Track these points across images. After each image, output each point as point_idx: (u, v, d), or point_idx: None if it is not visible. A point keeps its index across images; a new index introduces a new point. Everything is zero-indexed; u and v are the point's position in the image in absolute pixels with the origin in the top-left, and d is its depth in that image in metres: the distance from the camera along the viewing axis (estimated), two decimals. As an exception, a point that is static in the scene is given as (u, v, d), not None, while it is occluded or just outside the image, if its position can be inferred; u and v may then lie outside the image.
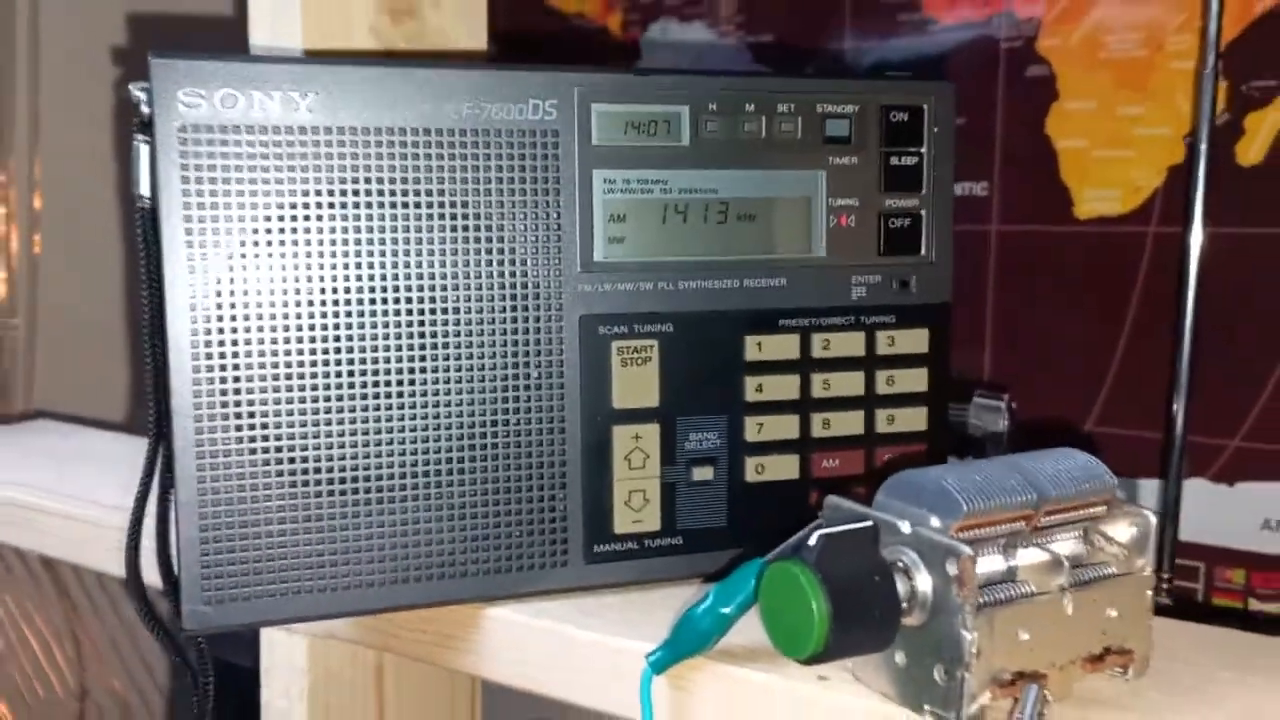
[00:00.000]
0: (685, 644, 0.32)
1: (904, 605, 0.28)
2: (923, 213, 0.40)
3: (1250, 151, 0.62)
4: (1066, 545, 0.31)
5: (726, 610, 0.31)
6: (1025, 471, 0.30)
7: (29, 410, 0.67)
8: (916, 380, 0.40)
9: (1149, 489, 0.59)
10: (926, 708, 0.28)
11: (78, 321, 0.71)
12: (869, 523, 0.29)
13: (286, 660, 0.43)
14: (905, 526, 0.29)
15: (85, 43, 0.72)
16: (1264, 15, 0.61)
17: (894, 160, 0.40)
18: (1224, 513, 0.59)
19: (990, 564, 0.29)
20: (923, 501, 0.29)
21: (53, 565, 0.61)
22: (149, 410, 0.36)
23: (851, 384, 0.39)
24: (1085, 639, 0.30)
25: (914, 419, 0.40)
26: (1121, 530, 0.31)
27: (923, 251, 0.40)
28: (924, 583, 0.28)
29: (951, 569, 0.28)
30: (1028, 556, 0.30)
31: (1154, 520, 0.31)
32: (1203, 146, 0.55)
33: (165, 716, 0.64)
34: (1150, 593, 0.31)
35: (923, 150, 0.40)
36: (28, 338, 0.68)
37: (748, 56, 0.82)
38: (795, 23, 0.80)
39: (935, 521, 0.29)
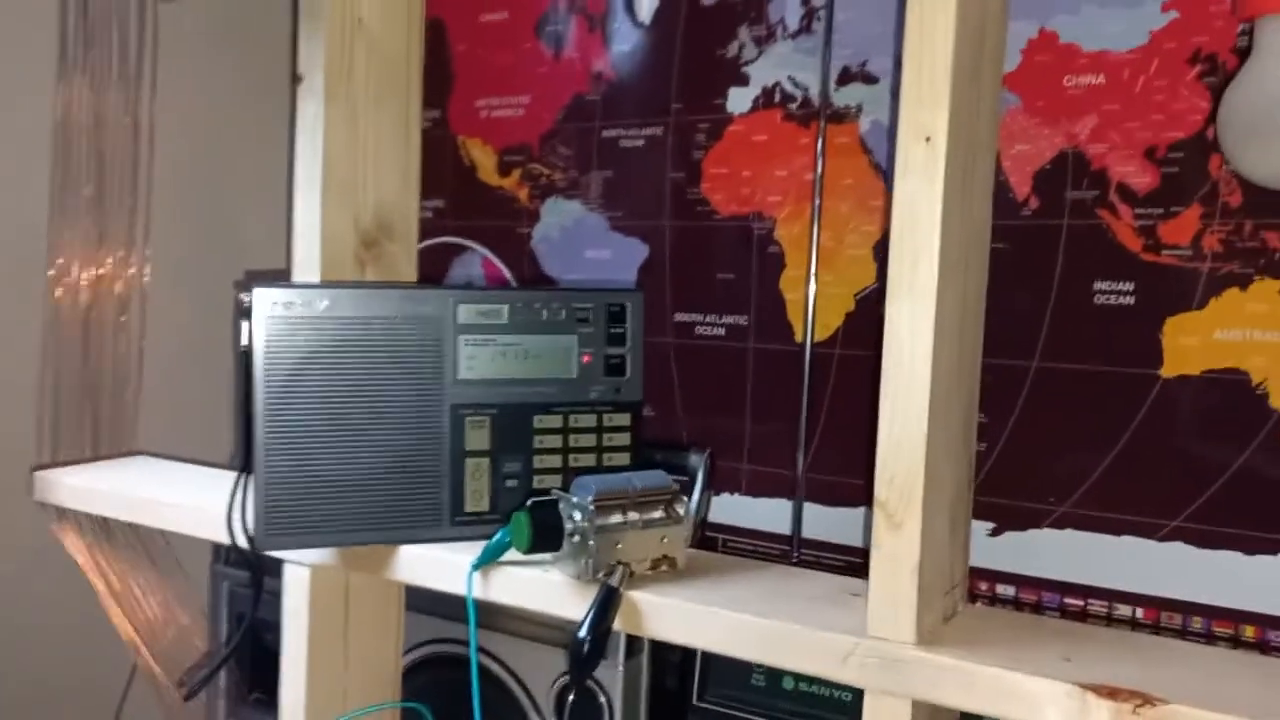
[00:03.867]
0: (487, 555, 0.71)
1: (568, 529, 0.68)
2: (627, 356, 0.80)
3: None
4: (655, 510, 0.70)
5: (505, 539, 0.71)
6: (633, 478, 0.70)
7: (132, 450, 1.06)
8: (623, 439, 0.80)
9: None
10: (575, 576, 0.68)
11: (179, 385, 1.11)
12: (556, 499, 0.69)
13: (296, 579, 0.82)
14: (573, 498, 0.69)
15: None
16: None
17: (612, 329, 0.80)
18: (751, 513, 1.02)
19: (612, 516, 0.69)
20: (582, 487, 0.69)
21: (144, 538, 1.00)
22: (240, 434, 0.76)
23: (588, 440, 0.79)
24: (650, 551, 0.69)
25: (622, 458, 0.80)
26: (678, 505, 0.71)
27: (627, 374, 0.80)
28: (577, 520, 0.68)
29: (580, 518, 0.67)
30: (631, 513, 0.69)
31: (687, 501, 0.71)
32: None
33: (211, 638, 1.03)
34: (687, 532, 0.71)
35: (626, 325, 0.80)
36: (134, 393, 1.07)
37: (606, 223, 1.23)
38: (634, 204, 1.22)
39: (589, 495, 0.68)
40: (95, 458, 1.02)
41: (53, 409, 1.02)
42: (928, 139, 0.59)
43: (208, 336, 1.19)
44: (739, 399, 1.14)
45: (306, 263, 0.82)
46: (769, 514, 1.12)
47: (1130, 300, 0.94)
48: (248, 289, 0.74)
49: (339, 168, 0.82)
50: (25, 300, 1.03)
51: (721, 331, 1.16)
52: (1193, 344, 0.91)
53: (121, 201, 1.02)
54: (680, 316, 1.18)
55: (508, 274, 1.31)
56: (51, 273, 1.02)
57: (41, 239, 1.02)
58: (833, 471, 1.09)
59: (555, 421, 0.79)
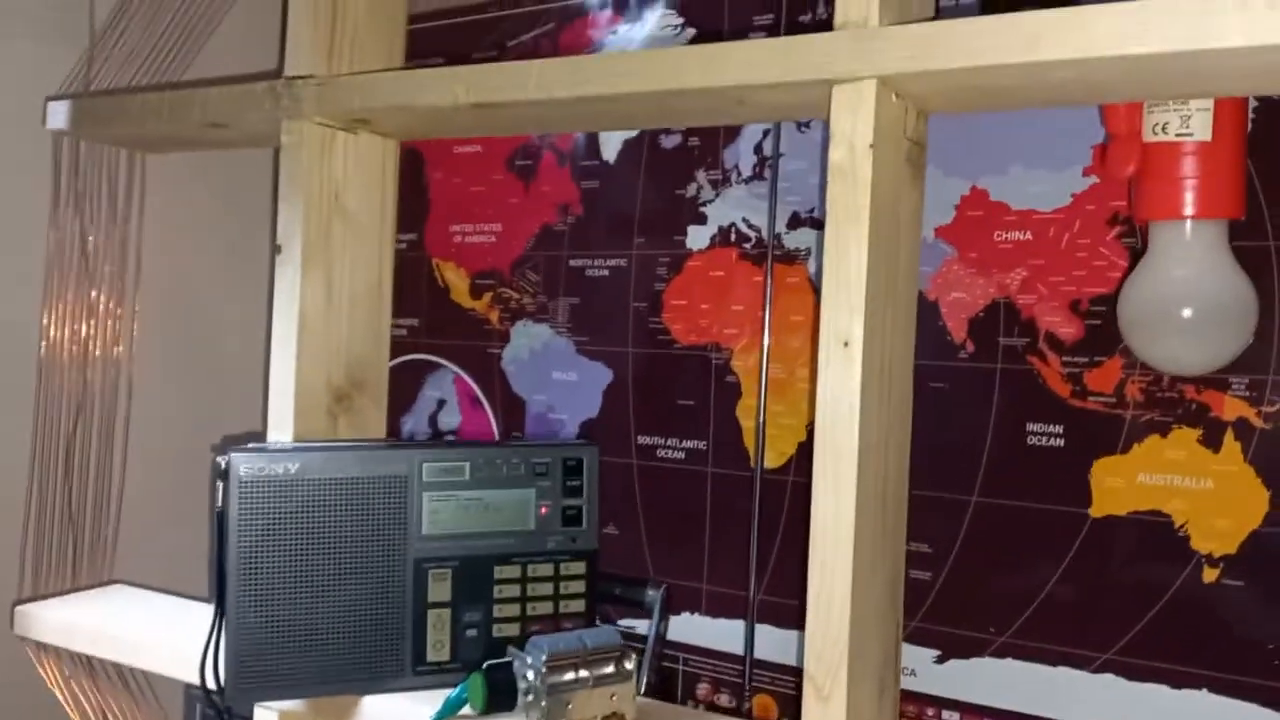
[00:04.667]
0: (446, 711, 0.76)
1: (522, 688, 0.72)
2: (583, 506, 0.85)
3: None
4: (605, 666, 0.75)
5: (464, 695, 0.75)
6: (585, 636, 0.75)
7: (108, 580, 1.10)
8: (579, 586, 0.85)
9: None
10: (531, 733, 0.72)
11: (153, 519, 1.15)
12: (511, 659, 0.73)
13: (268, 723, 0.85)
14: (527, 658, 0.73)
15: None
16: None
17: (569, 482, 0.85)
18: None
19: (565, 674, 0.73)
20: (536, 646, 0.73)
21: (122, 667, 1.03)
22: (214, 585, 0.80)
23: (546, 589, 0.84)
24: (600, 708, 0.74)
25: (578, 605, 0.84)
26: (627, 662, 0.75)
27: (583, 525, 0.85)
28: (530, 680, 0.72)
29: (533, 677, 0.72)
30: (582, 671, 0.74)
31: (634, 658, 0.75)
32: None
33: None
34: (634, 687, 0.75)
35: (583, 477, 0.85)
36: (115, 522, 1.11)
37: (573, 347, 1.29)
38: (600, 330, 1.27)
39: (542, 655, 0.73)
40: (74, 588, 1.06)
41: (35, 542, 1.06)
42: (845, 344, 0.64)
43: (187, 477, 1.23)
44: (699, 520, 1.19)
45: (280, 419, 0.87)
46: (727, 634, 1.16)
47: (1061, 442, 1.00)
48: (224, 452, 0.79)
49: (314, 329, 0.87)
50: (11, 438, 1.07)
51: (682, 455, 1.21)
52: (1119, 486, 0.97)
53: (106, 346, 1.07)
54: (643, 439, 1.24)
55: (479, 392, 1.36)
56: (39, 410, 1.07)
57: (29, 380, 1.07)
58: (789, 594, 1.13)
59: (514, 572, 0.83)
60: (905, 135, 0.68)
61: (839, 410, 0.65)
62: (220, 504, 0.78)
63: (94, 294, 1.08)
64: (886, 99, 0.65)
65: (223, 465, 0.78)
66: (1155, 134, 0.69)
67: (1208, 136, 0.67)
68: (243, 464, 0.78)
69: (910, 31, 0.62)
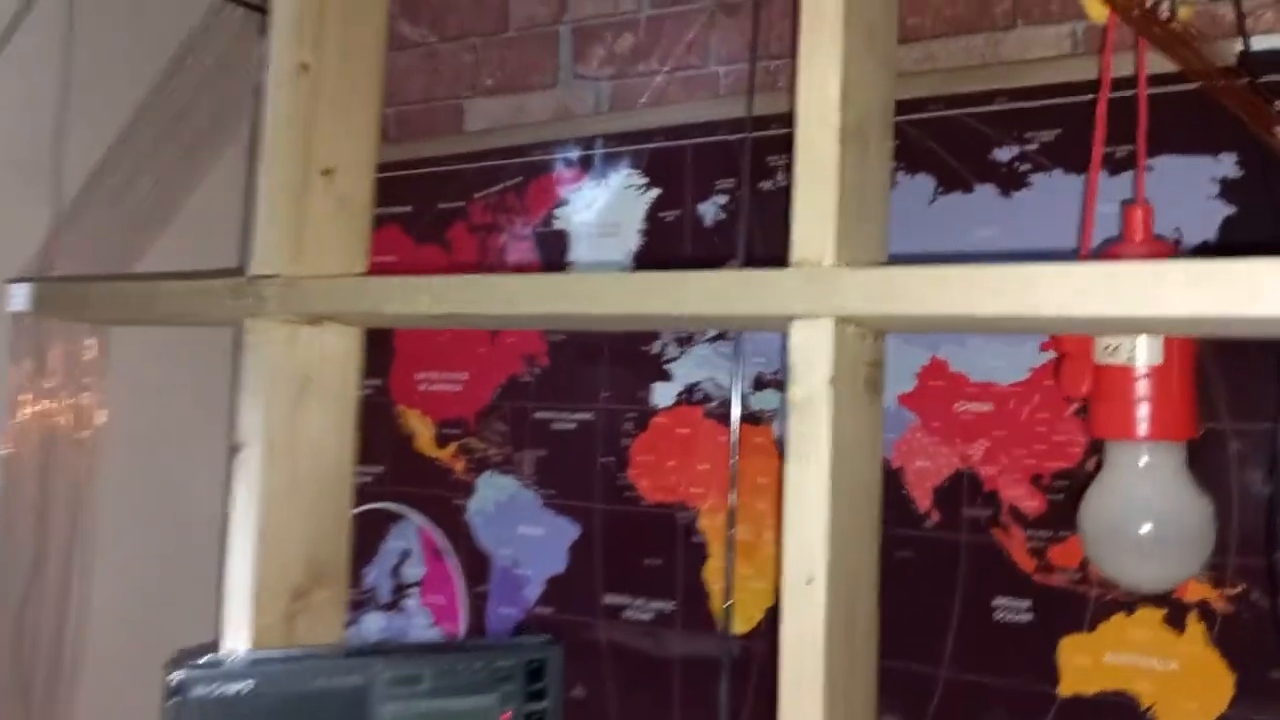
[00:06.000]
0: None
1: None
2: (546, 711, 0.84)
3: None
4: None
5: None
6: None
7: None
8: (543, 794, 0.83)
9: None
10: None
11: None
12: None
13: None
14: None
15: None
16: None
17: (531, 687, 0.84)
18: None
19: None
20: None
21: None
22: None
23: (509, 798, 0.82)
24: None
25: (542, 814, 0.82)
26: None
27: (547, 729, 0.84)
28: None
29: None
30: None
31: None
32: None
33: None
34: None
35: (545, 680, 0.84)
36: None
37: (539, 500, 1.28)
38: (566, 484, 1.26)
39: None
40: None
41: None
42: (809, 581, 0.64)
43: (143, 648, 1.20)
44: (665, 685, 1.17)
45: (236, 624, 0.85)
46: (697, 804, 1.14)
47: (1028, 618, 1.00)
48: (176, 668, 0.77)
49: (273, 526, 0.86)
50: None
51: (649, 616, 1.20)
52: (1086, 664, 0.97)
53: (60, 524, 1.05)
54: (609, 598, 1.22)
55: (443, 544, 1.34)
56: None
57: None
58: (759, 762, 1.11)
59: (477, 778, 0.81)
60: (864, 362, 0.69)
61: (803, 649, 0.64)
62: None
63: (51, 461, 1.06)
64: (844, 333, 0.66)
65: (174, 684, 0.76)
66: (1106, 356, 0.70)
67: (1159, 360, 0.69)
68: (195, 684, 0.76)
69: (866, 276, 0.63)
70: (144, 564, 1.24)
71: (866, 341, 0.69)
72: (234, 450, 0.85)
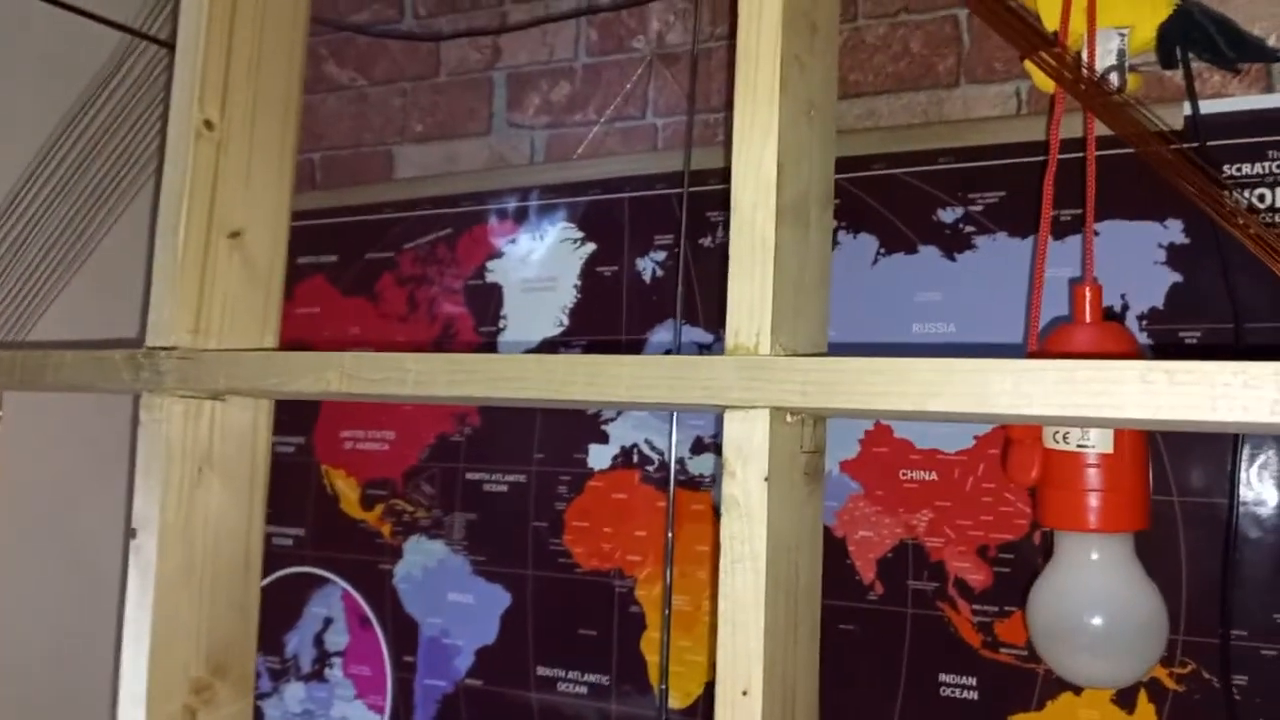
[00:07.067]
0: None
1: None
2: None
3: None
4: None
5: None
6: None
7: None
8: None
9: None
10: None
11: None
12: None
13: None
14: None
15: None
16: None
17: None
18: None
19: None
20: None
21: None
22: None
23: None
24: None
25: None
26: None
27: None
28: None
29: None
30: None
31: None
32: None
33: None
34: None
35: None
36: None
37: (470, 566, 1.22)
38: (498, 550, 1.21)
39: None
40: None
41: None
42: (744, 692, 0.60)
43: None
44: (603, 761, 1.12)
45: (129, 725, 0.78)
46: None
47: (974, 695, 0.96)
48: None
49: (169, 622, 0.79)
50: None
51: (584, 690, 1.14)
52: (1035, 745, 0.93)
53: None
54: (542, 670, 1.16)
55: (369, 611, 1.27)
56: None
57: None
58: (698, 845, 1.06)
59: None
60: (802, 450, 0.65)
61: (739, 767, 0.59)
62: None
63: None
64: (780, 422, 0.62)
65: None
66: (1055, 442, 0.67)
67: (1109, 449, 0.66)
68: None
69: (802, 366, 0.59)
70: (38, 654, 1.16)
71: (807, 428, 0.65)
72: (130, 535, 0.79)
